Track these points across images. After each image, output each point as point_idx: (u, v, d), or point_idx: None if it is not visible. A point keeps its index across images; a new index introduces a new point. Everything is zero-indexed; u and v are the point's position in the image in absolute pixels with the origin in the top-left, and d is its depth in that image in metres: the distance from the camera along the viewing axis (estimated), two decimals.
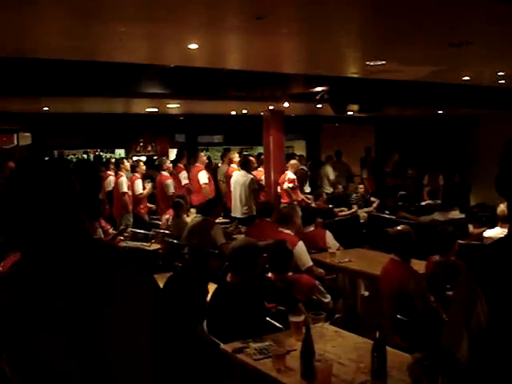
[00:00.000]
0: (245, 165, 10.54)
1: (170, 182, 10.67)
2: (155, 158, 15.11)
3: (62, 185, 1.69)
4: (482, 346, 1.63)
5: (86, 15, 4.94)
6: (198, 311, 3.44)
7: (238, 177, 10.39)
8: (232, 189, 10.44)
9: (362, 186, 12.80)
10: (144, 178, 11.41)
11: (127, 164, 11.10)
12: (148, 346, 1.59)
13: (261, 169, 12.03)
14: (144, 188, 10.77)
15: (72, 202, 1.65)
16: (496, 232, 6.77)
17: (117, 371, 1.48)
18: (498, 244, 1.75)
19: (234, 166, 11.54)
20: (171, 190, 10.55)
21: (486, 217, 9.48)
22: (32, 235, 1.54)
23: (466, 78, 9.32)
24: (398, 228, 5.28)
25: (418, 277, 4.94)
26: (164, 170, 10.84)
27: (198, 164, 11.56)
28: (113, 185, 10.89)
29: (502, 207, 6.77)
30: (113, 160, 11.80)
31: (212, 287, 4.66)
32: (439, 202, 9.44)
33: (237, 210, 10.29)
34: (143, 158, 14.87)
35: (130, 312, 1.53)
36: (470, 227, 7.97)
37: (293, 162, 11.42)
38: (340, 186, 12.90)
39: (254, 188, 10.33)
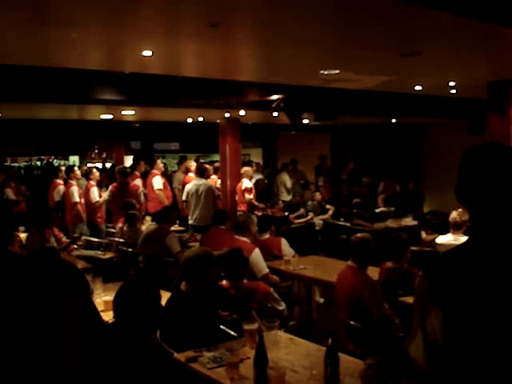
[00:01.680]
0: (201, 173, 10.49)
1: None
2: (111, 165, 14.97)
3: None
4: (439, 353, 1.65)
5: (39, 20, 4.87)
6: (150, 320, 3.40)
7: (196, 185, 10.28)
8: (189, 197, 10.31)
9: (318, 193, 12.90)
10: (100, 185, 11.28)
11: (78, 172, 10.88)
12: (84, 362, 1.54)
13: (214, 176, 11.99)
14: (100, 196, 10.61)
15: None
16: (448, 239, 6.90)
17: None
18: (455, 252, 1.79)
19: (191, 174, 11.47)
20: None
21: (439, 224, 9.67)
22: None
23: (418, 87, 9.50)
24: (359, 235, 5.31)
25: (373, 284, 4.99)
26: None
27: (153, 170, 11.47)
28: (62, 193, 10.67)
29: (453, 214, 6.91)
30: (62, 168, 11.50)
31: (165, 294, 4.64)
32: (393, 209, 9.57)
33: (195, 218, 10.19)
34: (100, 166, 14.70)
35: (63, 332, 1.48)
36: (423, 234, 8.10)
37: (246, 168, 11.42)
38: (297, 195, 12.98)
39: (214, 196, 10.27)
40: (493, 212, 1.72)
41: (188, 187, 10.38)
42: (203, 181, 10.29)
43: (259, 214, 10.20)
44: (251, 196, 10.87)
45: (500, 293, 1.59)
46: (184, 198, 10.39)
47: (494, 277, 1.61)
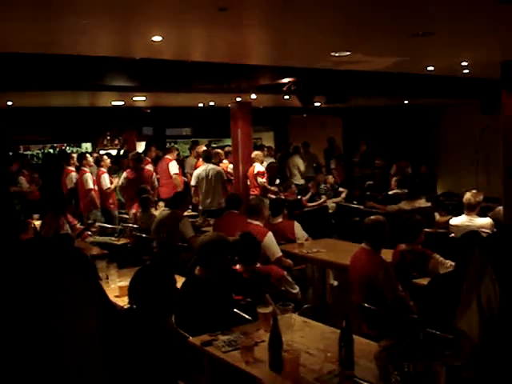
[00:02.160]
0: (208, 158, 10.50)
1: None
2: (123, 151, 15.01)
3: None
4: (493, 324, 1.66)
5: (49, 8, 4.87)
6: (167, 305, 3.43)
7: (205, 170, 10.31)
8: (198, 182, 10.33)
9: (330, 176, 12.86)
10: (113, 172, 11.33)
11: (90, 159, 10.93)
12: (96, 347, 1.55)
13: (225, 161, 12.00)
14: (111, 182, 10.66)
15: None
16: (462, 220, 6.88)
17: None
18: (509, 228, 1.80)
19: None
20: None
21: (452, 205, 9.63)
22: None
23: (430, 68, 9.41)
24: (372, 217, 5.29)
25: (386, 266, 4.99)
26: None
27: (167, 156, 11.52)
28: (74, 181, 10.72)
29: (467, 195, 6.88)
30: (74, 155, 11.53)
31: (180, 279, 4.67)
32: (406, 191, 9.55)
33: (206, 203, 10.26)
34: (114, 153, 14.73)
35: (79, 315, 1.49)
36: (437, 215, 8.08)
37: (256, 152, 11.43)
38: (312, 179, 12.88)
39: (222, 180, 10.31)
40: None
41: (197, 172, 10.42)
42: (211, 165, 10.31)
43: (272, 197, 10.23)
44: (264, 180, 10.89)
45: None
46: (193, 183, 10.41)
47: None
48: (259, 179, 10.87)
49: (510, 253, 1.66)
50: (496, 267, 1.66)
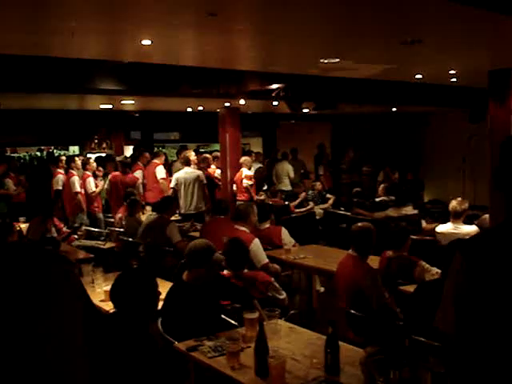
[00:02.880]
0: (187, 162, 10.35)
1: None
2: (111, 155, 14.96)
3: None
4: (469, 324, 1.69)
5: (38, 9, 4.85)
6: (149, 309, 3.41)
7: (186, 173, 10.22)
8: (178, 185, 10.21)
9: (318, 182, 12.89)
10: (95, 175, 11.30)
11: (78, 162, 10.90)
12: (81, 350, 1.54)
13: (213, 166, 11.98)
14: (96, 186, 10.65)
15: None
16: (448, 227, 6.90)
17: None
18: (490, 231, 1.84)
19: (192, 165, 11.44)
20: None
21: (439, 212, 9.68)
22: None
23: (419, 75, 9.47)
24: (360, 224, 5.30)
25: (373, 274, 4.99)
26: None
27: (155, 160, 11.48)
28: (61, 183, 10.68)
29: (453, 203, 6.91)
30: (63, 158, 11.51)
31: (166, 284, 4.65)
32: (393, 198, 9.58)
33: (185, 207, 10.16)
34: (103, 155, 14.68)
35: (61, 319, 1.48)
36: (423, 223, 8.11)
37: (244, 158, 11.45)
38: (300, 185, 12.89)
39: (201, 184, 10.23)
40: None
41: (176, 175, 10.32)
42: (190, 169, 10.22)
43: (261, 198, 10.28)
44: (250, 182, 10.87)
45: None
46: (172, 185, 10.28)
47: None
48: (245, 181, 10.86)
49: (489, 254, 1.70)
50: (473, 267, 1.70)
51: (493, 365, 1.65)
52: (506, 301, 1.63)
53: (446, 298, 1.78)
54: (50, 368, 1.42)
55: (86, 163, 10.97)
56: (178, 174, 10.29)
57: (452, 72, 9.13)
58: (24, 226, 8.12)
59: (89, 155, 14.25)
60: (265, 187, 12.80)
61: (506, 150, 1.85)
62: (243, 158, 11.37)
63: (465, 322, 1.72)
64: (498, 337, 1.64)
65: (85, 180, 10.54)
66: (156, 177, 11.09)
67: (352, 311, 4.72)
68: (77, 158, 11.17)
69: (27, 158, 16.56)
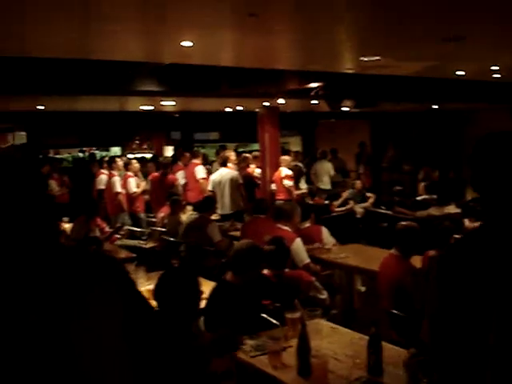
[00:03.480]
0: (223, 162, 10.42)
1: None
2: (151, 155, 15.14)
3: (27, 184, 1.49)
4: (440, 332, 1.67)
5: (82, 14, 4.95)
6: (192, 308, 3.44)
7: (220, 174, 10.31)
8: (214, 187, 10.29)
9: (359, 181, 12.79)
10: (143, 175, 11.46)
11: (120, 163, 11.05)
12: (122, 356, 1.55)
13: (253, 165, 12.00)
14: (138, 186, 10.77)
15: (40, 204, 1.52)
16: None
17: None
18: (464, 238, 1.82)
19: (230, 165, 11.48)
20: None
21: (481, 212, 9.49)
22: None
23: (460, 72, 9.33)
24: (404, 223, 5.23)
25: (415, 273, 4.93)
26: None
27: (194, 160, 11.56)
28: (104, 183, 10.84)
29: None
30: (106, 158, 11.70)
31: (207, 283, 4.68)
32: (435, 196, 9.45)
33: (222, 208, 10.21)
34: (147, 156, 14.87)
35: (101, 323, 1.49)
36: (466, 221, 7.98)
37: (284, 157, 11.43)
38: (344, 185, 12.78)
39: (236, 185, 10.28)
40: (504, 201, 1.69)
41: (212, 177, 10.39)
42: (226, 170, 10.27)
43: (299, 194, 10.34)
44: (291, 183, 10.88)
45: (497, 281, 1.57)
46: (210, 187, 10.34)
47: (496, 265, 1.59)
48: (286, 181, 10.86)
49: (458, 263, 1.67)
50: (442, 276, 1.67)
51: (463, 376, 1.63)
52: (473, 313, 1.58)
53: (426, 310, 1.77)
54: (85, 372, 1.43)
55: (128, 164, 11.13)
56: (214, 176, 10.38)
57: (494, 68, 8.97)
58: (68, 226, 8.26)
59: (129, 156, 14.45)
60: (303, 185, 12.75)
61: (481, 149, 1.79)
62: (283, 158, 11.37)
63: (434, 332, 1.69)
64: (465, 346, 1.60)
65: (126, 180, 10.67)
66: (196, 177, 11.17)
67: (395, 311, 4.68)
68: (118, 159, 11.33)
69: (70, 159, 16.86)
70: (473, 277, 1.61)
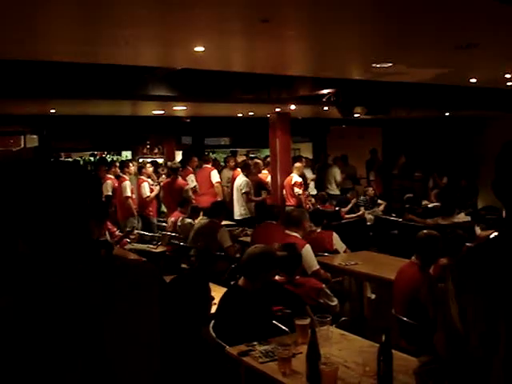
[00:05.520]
0: (243, 168, 10.66)
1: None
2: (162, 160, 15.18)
3: (74, 187, 1.56)
4: (459, 341, 1.64)
5: (94, 19, 4.97)
6: (202, 313, 3.44)
7: (237, 180, 10.53)
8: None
9: (370, 188, 12.76)
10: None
11: (132, 168, 11.05)
12: (153, 352, 1.59)
13: (265, 171, 12.03)
14: (151, 190, 10.77)
15: (81, 204, 1.59)
16: None
17: (120, 377, 1.47)
18: (482, 245, 1.76)
19: (239, 169, 11.59)
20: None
21: (493, 219, 9.45)
22: (37, 237, 1.50)
23: (473, 80, 9.29)
24: (426, 231, 5.16)
25: (431, 282, 4.87)
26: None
27: (207, 165, 11.61)
28: (110, 189, 10.70)
29: None
30: (117, 164, 11.66)
31: (216, 288, 4.67)
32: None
33: (236, 213, 10.43)
34: (160, 160, 14.92)
35: (132, 321, 1.52)
36: (477, 230, 7.93)
37: (297, 164, 11.43)
38: (351, 192, 12.77)
39: (245, 191, 10.39)
40: None
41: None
42: (242, 175, 10.63)
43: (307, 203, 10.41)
44: (300, 190, 10.87)
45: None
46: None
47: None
48: (296, 189, 10.87)
49: (476, 269, 1.63)
50: (459, 285, 1.63)
51: None
52: (491, 324, 1.53)
53: (438, 320, 1.73)
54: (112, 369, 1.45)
55: (142, 167, 11.16)
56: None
57: (508, 76, 8.93)
58: None
59: (141, 160, 14.49)
60: (313, 191, 12.74)
61: (504, 157, 1.77)
62: (296, 165, 11.40)
63: (451, 342, 1.65)
64: (482, 357, 1.55)
65: (140, 184, 10.69)
66: (211, 181, 11.23)
67: (405, 319, 4.65)
68: (131, 164, 11.30)
69: (81, 162, 16.91)
70: (493, 286, 1.56)
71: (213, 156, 16.78)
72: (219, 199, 10.42)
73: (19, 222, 1.47)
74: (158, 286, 1.68)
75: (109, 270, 1.55)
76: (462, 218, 8.34)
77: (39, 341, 1.37)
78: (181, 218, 8.84)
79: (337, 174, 13.69)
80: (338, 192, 13.39)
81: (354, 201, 11.51)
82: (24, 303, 1.39)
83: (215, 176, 11.33)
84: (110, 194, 10.72)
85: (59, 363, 1.38)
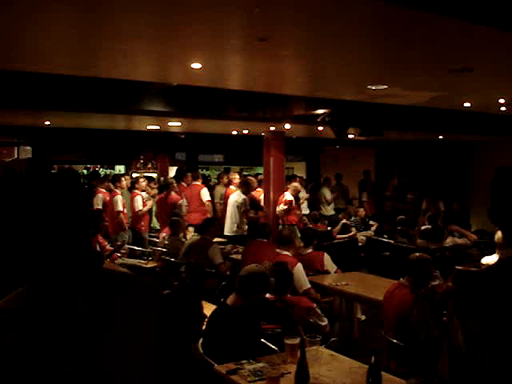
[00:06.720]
0: (243, 186, 10.63)
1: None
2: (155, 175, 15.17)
3: (74, 199, 1.56)
4: (463, 366, 1.62)
5: (90, 32, 4.99)
6: (192, 330, 3.42)
7: (234, 197, 10.47)
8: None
9: (362, 209, 12.78)
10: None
11: (124, 182, 11.03)
12: (150, 369, 1.58)
13: (259, 189, 12.04)
14: (144, 205, 10.74)
15: (82, 217, 1.58)
16: (493, 259, 6.74)
17: None
18: (484, 272, 1.76)
19: (232, 187, 11.59)
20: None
21: (485, 243, 9.47)
22: (39, 254, 1.48)
23: (467, 104, 9.36)
24: (418, 254, 5.18)
25: (422, 304, 4.86)
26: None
27: (197, 182, 11.60)
28: (101, 202, 10.64)
29: (499, 234, 6.75)
30: (109, 177, 11.64)
31: (206, 305, 4.64)
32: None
33: (227, 228, 10.39)
34: (154, 175, 14.92)
35: (130, 336, 1.51)
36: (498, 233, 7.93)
37: (294, 184, 11.43)
38: (344, 213, 12.79)
39: (245, 209, 10.39)
40: None
41: (229, 200, 10.68)
42: (240, 193, 10.62)
43: (295, 221, 10.42)
44: (285, 207, 10.76)
45: None
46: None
47: None
48: (281, 206, 10.80)
49: (478, 295, 1.62)
50: (461, 315, 1.63)
51: None
52: (496, 354, 1.53)
53: (443, 344, 1.73)
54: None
55: (135, 182, 11.14)
56: (230, 198, 10.69)
57: (501, 101, 9.00)
58: None
59: (134, 175, 14.47)
60: (306, 211, 12.74)
61: (499, 184, 1.77)
62: (292, 184, 11.38)
63: (456, 368, 1.65)
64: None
65: (133, 197, 10.67)
66: (201, 199, 11.21)
67: (395, 341, 4.63)
68: (123, 178, 11.28)
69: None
70: (497, 311, 1.56)
71: (207, 173, 16.82)
72: (208, 216, 10.41)
73: (18, 234, 1.46)
74: (157, 301, 1.67)
75: (109, 283, 1.54)
76: (450, 242, 8.37)
77: (37, 353, 1.36)
78: (166, 235, 8.86)
79: (326, 193, 13.73)
80: (332, 212, 13.43)
81: (342, 221, 11.49)
82: (23, 317, 1.38)
83: (205, 195, 11.31)
84: (100, 207, 10.66)
85: (56, 376, 1.37)
